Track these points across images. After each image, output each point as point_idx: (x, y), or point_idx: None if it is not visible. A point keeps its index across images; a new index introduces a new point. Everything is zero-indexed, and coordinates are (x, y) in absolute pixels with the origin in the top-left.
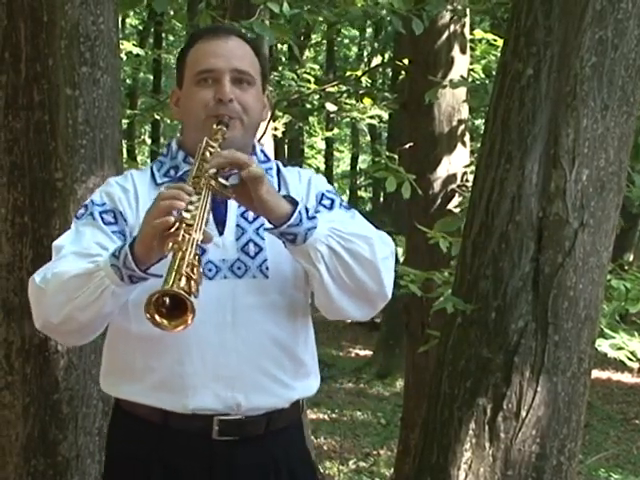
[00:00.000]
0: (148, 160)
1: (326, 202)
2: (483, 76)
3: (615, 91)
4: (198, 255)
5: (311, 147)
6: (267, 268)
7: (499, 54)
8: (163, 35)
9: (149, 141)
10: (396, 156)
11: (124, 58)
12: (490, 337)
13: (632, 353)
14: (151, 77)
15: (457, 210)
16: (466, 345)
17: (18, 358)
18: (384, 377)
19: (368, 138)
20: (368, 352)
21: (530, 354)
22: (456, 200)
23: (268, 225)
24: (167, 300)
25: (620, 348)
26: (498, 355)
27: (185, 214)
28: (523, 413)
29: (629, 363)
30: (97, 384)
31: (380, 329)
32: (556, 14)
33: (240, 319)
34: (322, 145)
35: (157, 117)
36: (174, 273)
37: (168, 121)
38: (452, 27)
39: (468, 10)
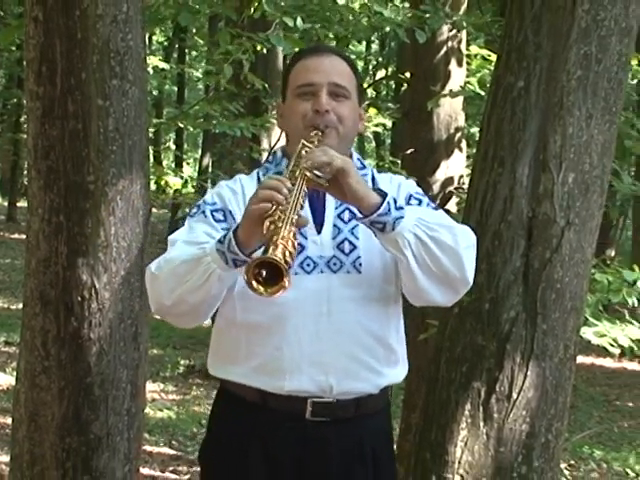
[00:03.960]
0: (173, 164)
1: (414, 202)
2: (478, 88)
3: (599, 101)
4: (294, 232)
5: None
6: (360, 264)
7: (493, 68)
8: (186, 51)
9: (173, 147)
10: (399, 161)
11: (151, 72)
12: (484, 326)
13: (614, 340)
14: (175, 89)
15: (454, 210)
16: (462, 333)
17: (54, 345)
18: None
19: (373, 144)
20: None
21: (521, 341)
22: (453, 201)
23: (359, 215)
24: (264, 271)
25: (603, 335)
26: (491, 342)
27: (281, 198)
28: (514, 395)
29: (611, 349)
30: (126, 369)
31: None
32: (545, 31)
33: (335, 310)
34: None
35: (181, 125)
36: (271, 245)
37: (191, 129)
38: (450, 43)
39: (465, 25)
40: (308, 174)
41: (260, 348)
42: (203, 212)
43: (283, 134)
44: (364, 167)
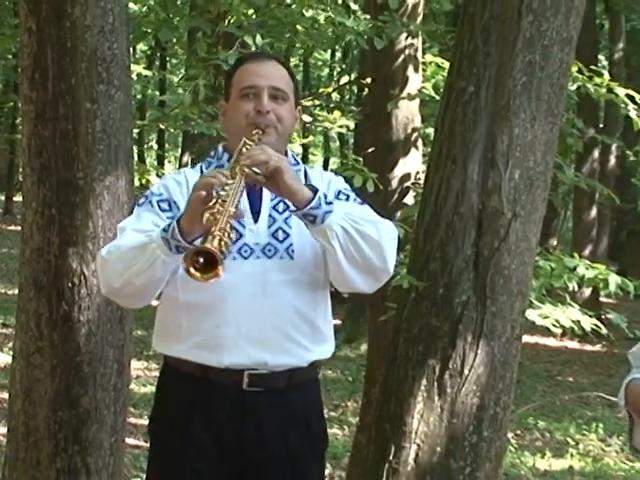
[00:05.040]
0: (155, 162)
1: (342, 197)
2: (433, 92)
3: (542, 105)
4: (230, 224)
5: None
6: (293, 251)
7: (446, 74)
8: (167, 59)
9: (156, 147)
10: (361, 159)
11: (135, 78)
12: (438, 309)
13: (556, 321)
14: (157, 94)
15: (411, 203)
16: (418, 315)
17: (47, 327)
18: (351, 342)
19: (337, 144)
20: (337, 321)
21: (471, 323)
22: (410, 195)
23: (292, 207)
24: (201, 258)
25: (546, 317)
26: (445, 324)
27: (221, 192)
28: (466, 372)
29: (553, 329)
30: (112, 348)
31: (347, 302)
32: (493, 41)
33: (269, 292)
34: (299, 149)
35: (162, 127)
36: (208, 235)
37: (171, 130)
38: (407, 51)
39: (420, 34)
40: (247, 170)
41: (200, 326)
42: (150, 202)
43: None
44: (298, 164)
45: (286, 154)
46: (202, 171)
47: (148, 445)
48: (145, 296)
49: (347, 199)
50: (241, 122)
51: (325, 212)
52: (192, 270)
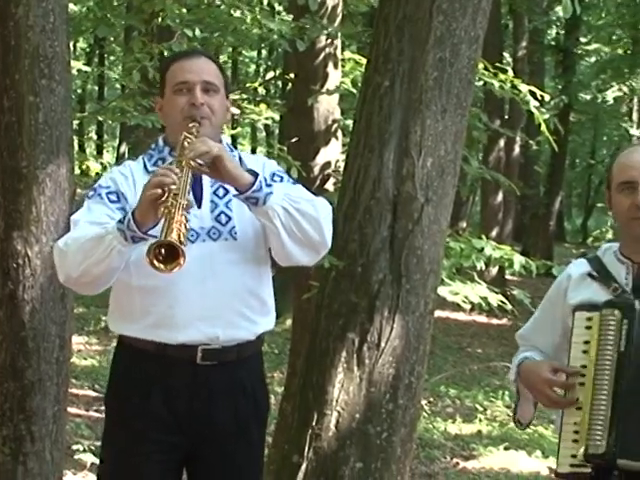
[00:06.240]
0: (95, 152)
1: (277, 178)
2: (351, 87)
3: (452, 98)
4: (185, 215)
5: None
6: (236, 233)
7: (363, 70)
8: (105, 56)
9: (95, 137)
10: (285, 148)
11: (75, 73)
12: (357, 286)
13: (465, 297)
14: (96, 88)
15: (332, 190)
16: (339, 292)
17: None
18: (277, 317)
19: (264, 134)
20: None
21: (388, 299)
22: (331, 182)
23: (235, 192)
24: (163, 250)
25: (456, 294)
26: (363, 300)
27: (172, 186)
28: (383, 344)
29: (463, 305)
30: (55, 324)
31: (273, 280)
32: (407, 39)
33: (217, 272)
34: (228, 140)
35: (101, 119)
36: (167, 228)
37: (110, 122)
38: (327, 49)
39: (340, 34)
40: (192, 163)
41: (154, 307)
42: (99, 195)
43: None
44: (232, 150)
45: (221, 142)
46: (145, 163)
47: (89, 414)
48: (101, 283)
49: (281, 180)
50: (177, 116)
51: (266, 194)
52: (156, 263)
